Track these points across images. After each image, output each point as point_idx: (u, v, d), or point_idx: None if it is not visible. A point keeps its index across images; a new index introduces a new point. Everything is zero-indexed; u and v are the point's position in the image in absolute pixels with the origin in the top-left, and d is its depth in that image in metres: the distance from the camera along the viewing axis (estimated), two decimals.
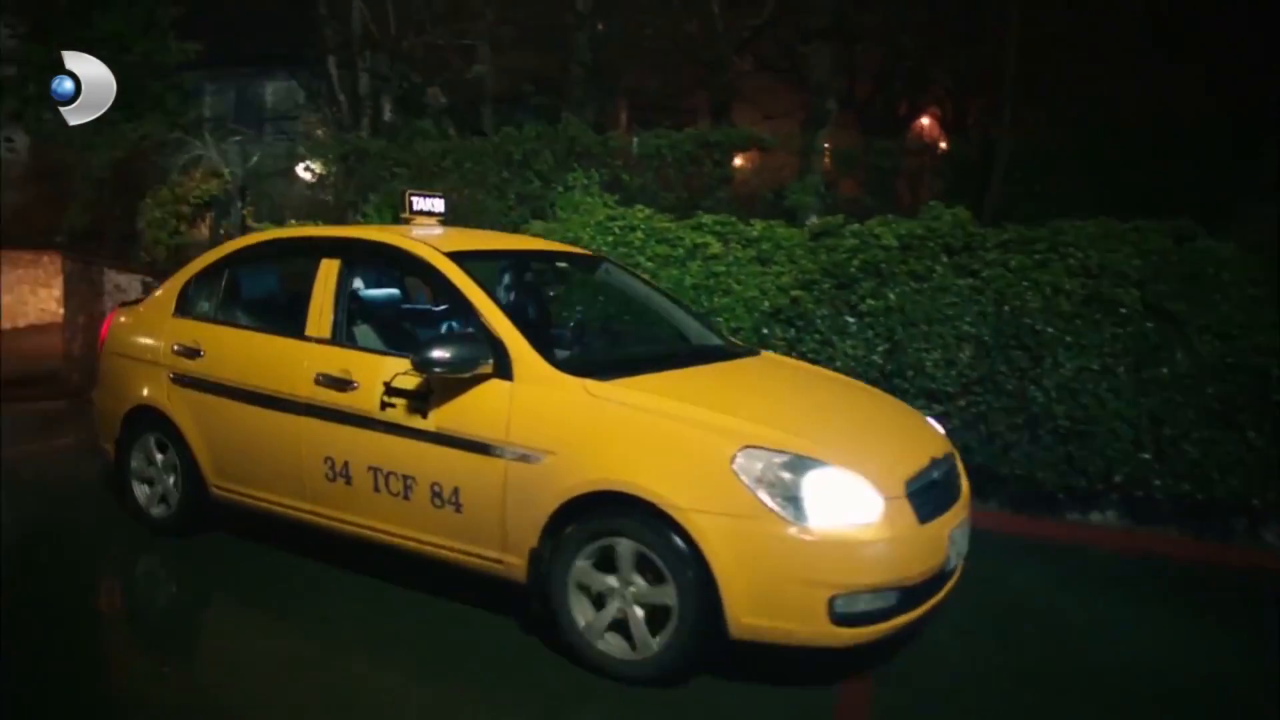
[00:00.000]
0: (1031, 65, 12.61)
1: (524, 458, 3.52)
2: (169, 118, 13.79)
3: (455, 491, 3.70)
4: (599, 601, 3.45)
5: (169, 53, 15.12)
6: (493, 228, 10.61)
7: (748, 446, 3.24)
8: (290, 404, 4.16)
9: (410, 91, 15.21)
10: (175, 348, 4.68)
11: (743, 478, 3.19)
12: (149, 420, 4.78)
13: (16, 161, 15.66)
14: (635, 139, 11.35)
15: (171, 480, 4.75)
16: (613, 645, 3.42)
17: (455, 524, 3.73)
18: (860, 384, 4.77)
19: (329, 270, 4.31)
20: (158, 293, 5.12)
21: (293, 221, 9.60)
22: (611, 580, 3.39)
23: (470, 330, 3.85)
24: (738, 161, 12.21)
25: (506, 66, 14.94)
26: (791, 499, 3.16)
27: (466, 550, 3.74)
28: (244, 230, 10.41)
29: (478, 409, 3.66)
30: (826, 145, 12.77)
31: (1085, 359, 5.26)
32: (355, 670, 3.63)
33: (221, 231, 10.71)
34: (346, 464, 3.99)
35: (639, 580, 3.35)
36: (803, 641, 3.23)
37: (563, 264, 5.22)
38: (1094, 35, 13.53)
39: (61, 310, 15.78)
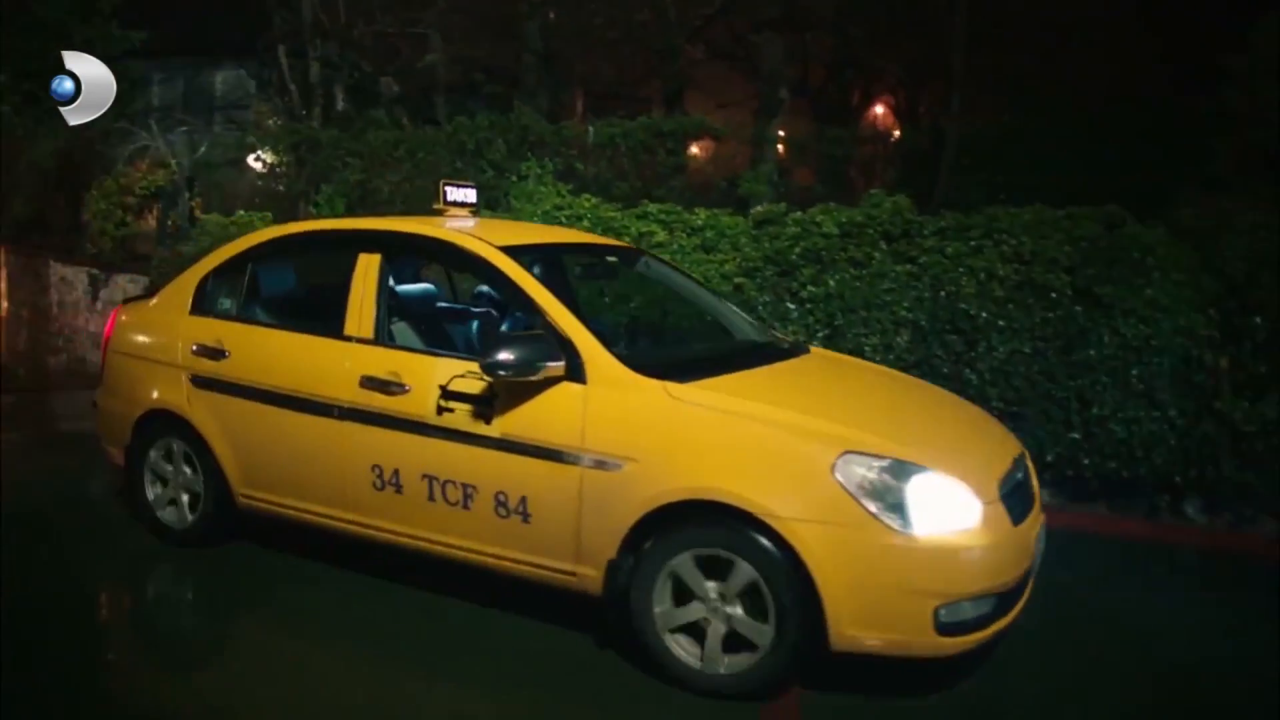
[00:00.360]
0: (981, 55, 12.85)
1: (602, 465, 3.34)
2: (114, 107, 13.58)
3: (523, 501, 3.50)
4: (686, 614, 3.30)
5: (112, 41, 14.84)
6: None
7: (848, 452, 3.11)
8: (331, 408, 3.91)
9: (362, 81, 15.11)
10: (195, 348, 4.37)
11: (845, 485, 3.07)
12: (165, 425, 4.47)
13: None
14: (590, 128, 11.39)
15: (192, 488, 4.48)
16: (703, 659, 3.27)
17: (521, 535, 3.54)
18: (923, 382, 4.68)
19: (369, 265, 4.04)
20: (168, 289, 4.79)
21: (241, 212, 9.52)
22: (700, 593, 3.24)
23: (539, 330, 3.60)
24: (693, 150, 12.30)
25: (458, 55, 14.87)
26: (896, 506, 3.05)
27: (534, 562, 3.55)
28: (191, 222, 10.31)
29: (548, 414, 3.46)
30: (780, 133, 12.91)
31: (1017, 342, 5.42)
32: (371, 674, 3.50)
33: (169, 223, 10.59)
34: (396, 472, 3.77)
35: (731, 592, 3.20)
36: (906, 652, 3.14)
37: (612, 257, 4.88)
38: (1043, 24, 13.80)
39: (5, 304, 15.52)
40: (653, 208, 6.74)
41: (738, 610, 3.20)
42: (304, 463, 4.06)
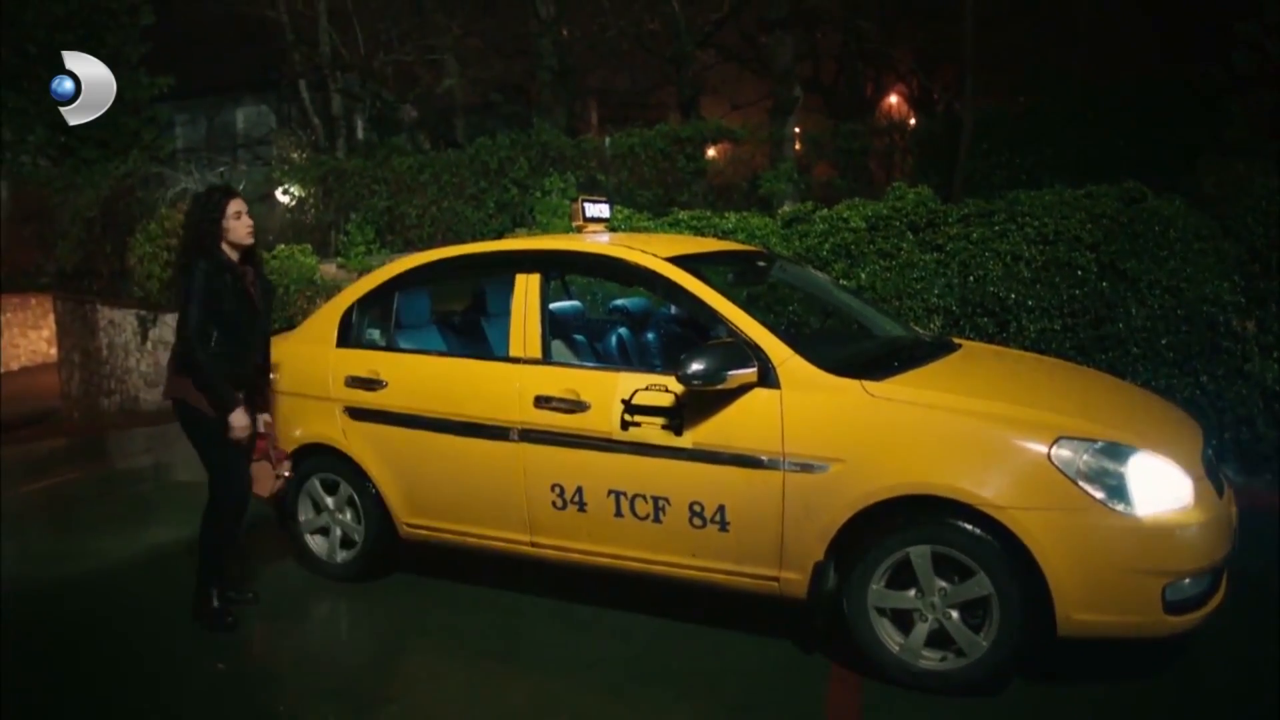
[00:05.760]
0: (991, 35, 12.94)
1: (806, 468, 3.32)
2: (147, 153, 14.02)
3: (720, 510, 3.48)
4: (903, 614, 3.29)
5: (141, 88, 15.33)
6: (475, 237, 10.89)
7: (1063, 437, 3.09)
8: (504, 430, 3.88)
9: (383, 109, 15.46)
10: (348, 380, 4.32)
11: (1063, 470, 3.05)
12: (318, 458, 4.44)
13: None
14: (608, 139, 11.63)
15: (349, 519, 4.44)
16: (902, 647, 3.29)
17: (719, 544, 3.52)
18: (1087, 368, 4.69)
19: (530, 286, 4.00)
20: (307, 323, 4.79)
21: (281, 246, 9.82)
22: (925, 587, 3.23)
23: (725, 338, 3.56)
24: (711, 153, 12.51)
25: (475, 77, 15.20)
26: (1116, 488, 3.04)
27: (733, 570, 3.52)
28: None
29: (743, 420, 3.44)
30: (796, 131, 13.08)
31: (1047, 320, 5.57)
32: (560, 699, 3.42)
33: None
34: (580, 490, 3.75)
35: (948, 586, 3.20)
36: (1135, 634, 3.13)
37: (762, 262, 4.75)
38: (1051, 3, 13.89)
39: (54, 350, 15.98)
40: (683, 215, 6.95)
41: (954, 615, 3.21)
42: (473, 487, 4.02)
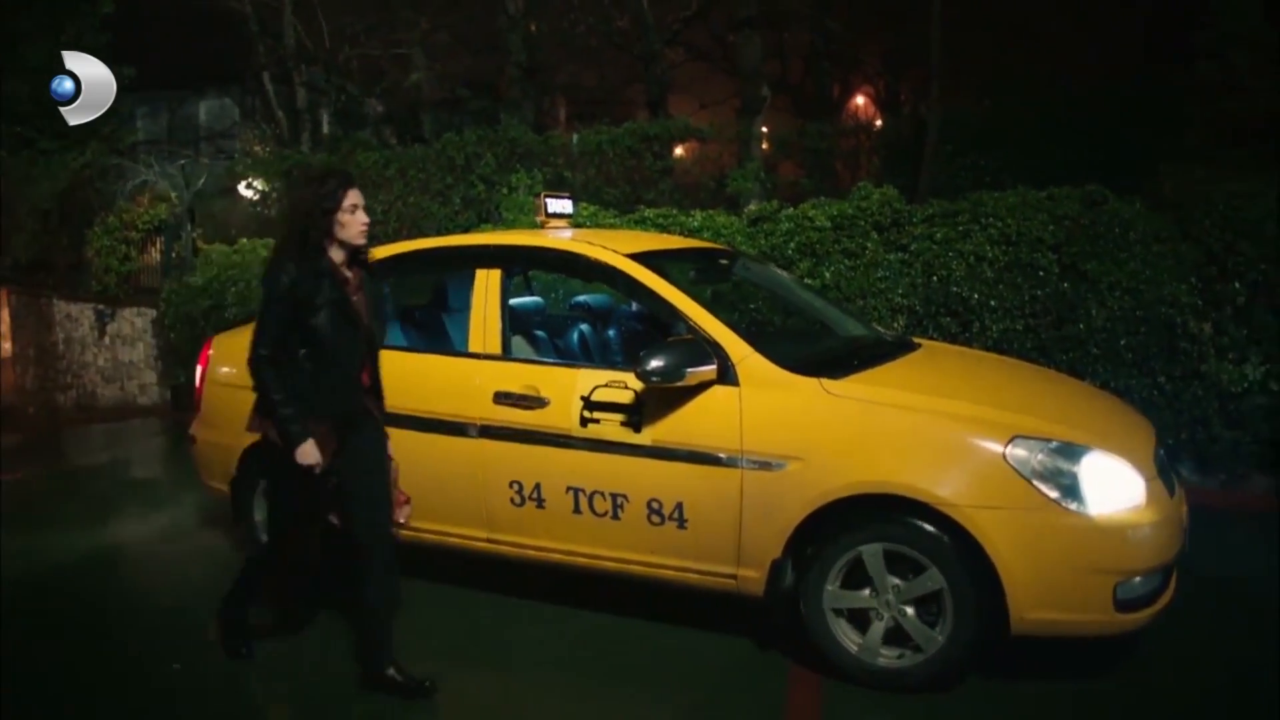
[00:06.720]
0: (958, 38, 13.04)
1: (764, 466, 3.32)
2: (107, 144, 13.76)
3: (678, 507, 3.47)
4: (859, 613, 3.30)
5: None
6: (441, 233, 10.81)
7: (1018, 436, 3.12)
8: (461, 427, 3.84)
9: (348, 103, 15.30)
10: None
11: (1018, 469, 3.08)
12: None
13: None
14: (575, 136, 11.58)
15: None
16: (861, 647, 3.30)
17: (677, 541, 3.50)
18: (1046, 369, 4.75)
19: (490, 281, 3.97)
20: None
21: (244, 240, 9.70)
22: (879, 585, 3.24)
23: (685, 335, 3.54)
24: (678, 152, 12.49)
25: (442, 72, 15.08)
26: (1069, 487, 3.07)
27: (691, 568, 3.51)
28: (195, 253, 10.48)
29: (702, 418, 3.43)
30: (764, 130, 13.10)
31: (1009, 320, 5.62)
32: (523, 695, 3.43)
33: (173, 255, 10.76)
34: (538, 486, 3.72)
35: (902, 583, 3.21)
36: (1087, 632, 3.18)
37: (724, 260, 4.75)
38: (1018, 6, 14.03)
39: (8, 345, 15.67)
40: (650, 212, 6.93)
41: (909, 611, 3.23)
42: (431, 483, 3.91)
